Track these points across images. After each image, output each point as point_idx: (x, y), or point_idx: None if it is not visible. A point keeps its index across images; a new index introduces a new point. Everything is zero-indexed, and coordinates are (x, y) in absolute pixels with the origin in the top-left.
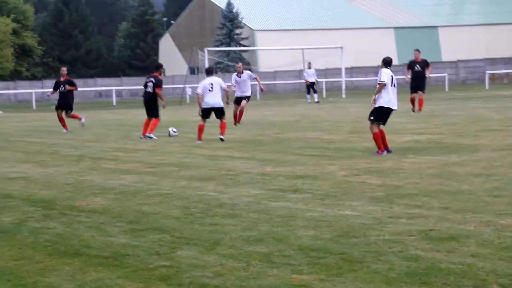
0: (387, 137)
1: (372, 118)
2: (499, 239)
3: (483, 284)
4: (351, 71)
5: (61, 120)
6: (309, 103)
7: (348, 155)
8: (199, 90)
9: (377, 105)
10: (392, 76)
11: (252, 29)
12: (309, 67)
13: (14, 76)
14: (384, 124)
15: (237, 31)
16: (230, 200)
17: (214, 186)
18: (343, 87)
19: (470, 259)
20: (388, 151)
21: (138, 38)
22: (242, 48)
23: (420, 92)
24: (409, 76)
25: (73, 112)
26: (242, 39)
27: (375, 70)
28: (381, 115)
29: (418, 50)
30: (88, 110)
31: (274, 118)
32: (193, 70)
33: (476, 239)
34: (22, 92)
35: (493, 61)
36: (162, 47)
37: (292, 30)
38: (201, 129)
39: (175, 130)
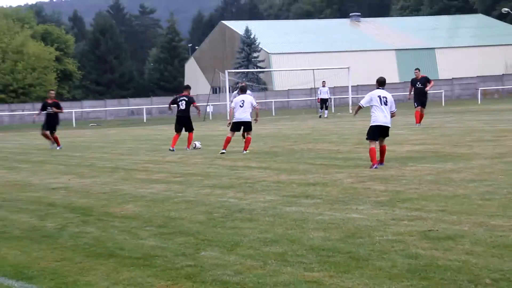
0: (390, 148)
1: (366, 137)
2: (491, 238)
3: (477, 278)
4: (357, 88)
5: (48, 137)
6: (320, 117)
7: (355, 164)
8: (232, 105)
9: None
10: (380, 96)
11: (268, 53)
12: (323, 85)
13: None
14: (383, 137)
15: (254, 54)
16: (249, 205)
17: (234, 193)
18: (350, 103)
19: (465, 257)
20: (376, 166)
21: (166, 62)
22: (259, 70)
23: (422, 108)
24: (412, 93)
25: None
26: (259, 61)
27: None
28: (372, 132)
29: (418, 69)
30: (121, 126)
31: (288, 131)
32: (215, 90)
33: (470, 238)
34: (64, 112)
35: (484, 79)
36: (188, 70)
37: (304, 53)
38: (227, 141)
39: (199, 143)
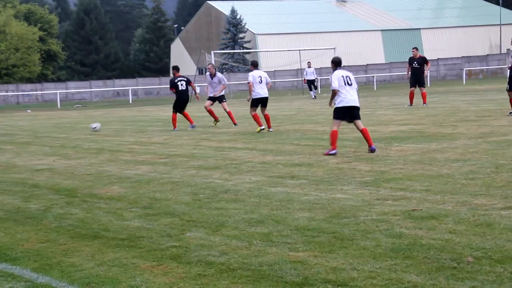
0: (375, 129)
1: (333, 117)
2: (474, 217)
3: (460, 257)
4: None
5: None
6: (314, 98)
7: (340, 144)
8: (250, 79)
9: (335, 106)
10: (343, 76)
11: (254, 33)
12: (309, 66)
13: (41, 78)
14: (352, 119)
15: (241, 35)
16: (234, 186)
17: (220, 174)
18: None
19: (448, 235)
20: (372, 149)
21: (151, 43)
22: (245, 50)
23: (421, 88)
24: (409, 73)
25: None
26: (245, 42)
27: (364, 68)
28: (340, 114)
29: (415, 48)
30: (107, 108)
31: (274, 112)
32: (201, 71)
33: (453, 217)
34: (48, 93)
35: (469, 59)
36: (173, 51)
37: (290, 33)
38: (257, 117)
39: (99, 125)
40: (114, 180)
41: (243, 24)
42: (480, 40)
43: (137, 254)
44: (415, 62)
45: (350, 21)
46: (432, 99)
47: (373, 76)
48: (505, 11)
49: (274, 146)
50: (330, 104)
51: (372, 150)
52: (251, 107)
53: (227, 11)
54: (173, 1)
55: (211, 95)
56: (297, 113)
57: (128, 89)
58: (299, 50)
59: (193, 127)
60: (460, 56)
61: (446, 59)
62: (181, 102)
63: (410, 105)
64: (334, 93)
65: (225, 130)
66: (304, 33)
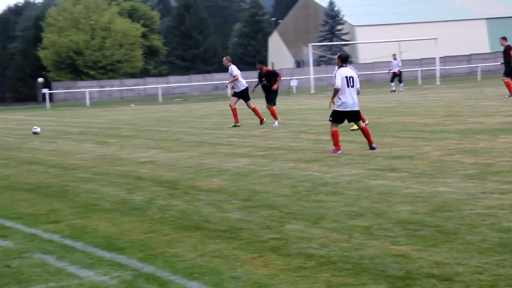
0: (480, 120)
1: (330, 119)
2: None
3: None
4: (444, 60)
5: None
6: (393, 91)
7: (442, 136)
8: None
9: (334, 108)
10: (347, 76)
11: (352, 25)
12: (394, 59)
13: (143, 73)
14: (355, 121)
15: (339, 27)
16: (333, 179)
17: (319, 167)
18: (437, 75)
19: None
20: (372, 147)
21: (249, 37)
22: (343, 42)
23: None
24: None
25: None
26: (343, 34)
27: (467, 59)
28: (338, 116)
29: (503, 38)
30: (206, 101)
31: (373, 104)
32: (298, 64)
33: None
34: (150, 87)
35: None
36: (271, 44)
37: (389, 24)
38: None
39: (38, 129)
40: (214, 172)
41: (341, 16)
42: None
43: (237, 246)
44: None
45: (453, 10)
46: None
47: (477, 66)
48: None
49: (374, 139)
50: (330, 105)
51: (372, 148)
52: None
53: (325, 3)
54: None
55: (236, 91)
56: (396, 105)
57: (227, 82)
58: (399, 41)
59: (262, 123)
60: None
61: None
62: (267, 95)
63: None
64: (337, 91)
65: (324, 123)
66: (403, 23)
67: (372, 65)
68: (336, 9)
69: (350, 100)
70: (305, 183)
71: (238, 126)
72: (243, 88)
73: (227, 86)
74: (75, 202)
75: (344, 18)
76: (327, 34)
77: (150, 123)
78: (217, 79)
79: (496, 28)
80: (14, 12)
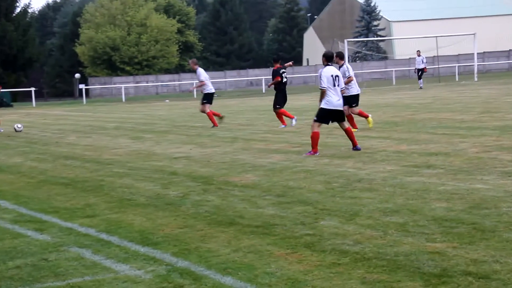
0: None
1: (315, 118)
2: None
3: None
4: (483, 55)
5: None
6: (421, 88)
7: (480, 133)
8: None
9: (320, 106)
10: (333, 75)
11: (389, 20)
12: (418, 55)
13: (179, 69)
14: (335, 121)
15: (375, 22)
16: (368, 175)
17: (353, 163)
18: (475, 70)
19: None
20: (357, 148)
21: (285, 33)
22: (379, 38)
23: None
24: None
25: None
26: (379, 29)
27: (506, 54)
28: (324, 116)
29: None
30: (240, 97)
31: (408, 101)
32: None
33: None
34: (185, 83)
35: None
36: (306, 40)
37: (426, 20)
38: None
39: (19, 126)
40: (248, 168)
41: (377, 12)
42: None
43: (271, 241)
44: None
45: (491, 5)
46: None
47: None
48: None
49: (409, 135)
50: (320, 102)
51: (357, 149)
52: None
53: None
54: None
55: (204, 93)
56: (432, 101)
57: (261, 78)
58: (436, 36)
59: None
60: None
61: None
62: (284, 95)
63: None
64: (323, 92)
65: (359, 119)
66: (441, 19)
67: (408, 61)
68: (372, 4)
69: (335, 99)
70: (340, 179)
71: (218, 125)
72: (210, 92)
73: (190, 91)
74: (111, 196)
75: (380, 14)
76: (362, 30)
77: (185, 118)
78: (252, 75)
79: None
80: (52, 8)
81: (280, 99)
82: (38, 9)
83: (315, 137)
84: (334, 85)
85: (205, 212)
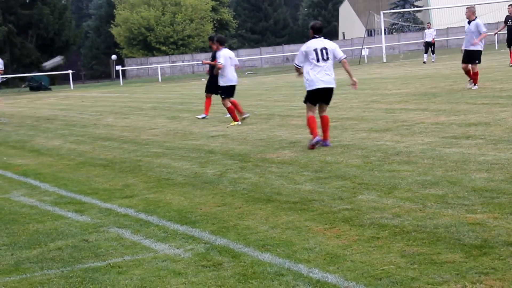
0: None
1: (304, 100)
2: None
3: None
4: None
5: None
6: (425, 62)
7: None
8: (221, 60)
9: (307, 89)
10: (317, 49)
11: None
12: (428, 28)
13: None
14: (325, 103)
15: None
16: (406, 148)
17: (391, 136)
18: None
19: None
20: (325, 144)
21: (320, 7)
22: (415, 9)
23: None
24: (499, 32)
25: None
26: (416, 0)
27: None
28: (313, 97)
29: (511, 5)
30: (276, 73)
31: (447, 71)
32: (370, 32)
33: None
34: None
35: None
36: (342, 13)
37: None
38: (233, 110)
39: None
40: (285, 144)
41: None
42: None
43: (309, 217)
44: (510, 20)
45: None
46: None
47: None
48: None
49: (448, 106)
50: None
51: (324, 145)
52: (226, 97)
53: None
54: None
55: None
56: None
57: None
58: (473, 5)
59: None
60: None
61: None
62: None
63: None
64: (296, 69)
65: (396, 92)
66: None
67: (447, 31)
68: None
69: (321, 76)
70: (377, 153)
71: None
72: (227, 84)
73: (203, 63)
74: (149, 176)
75: None
76: (399, 1)
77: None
78: (287, 50)
79: None
80: None
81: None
82: None
83: (310, 122)
84: (319, 59)
85: (242, 190)
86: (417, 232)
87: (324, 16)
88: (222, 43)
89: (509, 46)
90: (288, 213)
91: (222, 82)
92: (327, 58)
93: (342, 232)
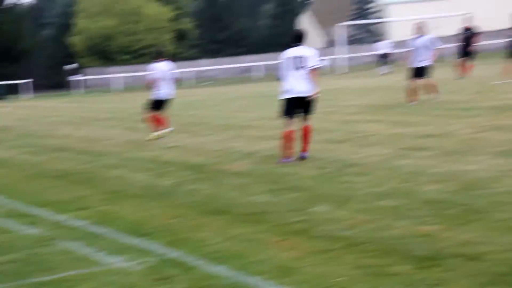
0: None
1: (280, 113)
2: None
3: None
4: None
5: None
6: (382, 74)
7: (475, 114)
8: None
9: (281, 98)
10: (294, 57)
11: (384, 3)
12: (383, 40)
13: (174, 57)
14: (306, 113)
15: (370, 5)
16: (361, 159)
17: (347, 148)
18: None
19: None
20: (303, 156)
21: (280, 18)
22: (373, 21)
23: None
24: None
25: None
26: (375, 12)
27: (499, 34)
28: (287, 107)
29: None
30: (236, 84)
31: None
32: (330, 44)
33: None
34: (183, 71)
35: None
36: (302, 24)
37: (422, 1)
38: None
39: None
40: (242, 155)
41: None
42: None
43: (263, 229)
44: (467, 31)
45: None
46: None
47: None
48: None
49: (403, 118)
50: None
51: (302, 157)
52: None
53: None
54: None
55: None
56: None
57: (257, 64)
58: (428, 18)
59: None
60: None
61: None
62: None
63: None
64: (281, 79)
65: (353, 103)
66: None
67: (404, 43)
68: None
69: (297, 85)
70: (333, 164)
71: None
72: (159, 98)
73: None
74: (103, 188)
75: None
76: (358, 13)
77: (178, 107)
78: (248, 61)
79: None
80: None
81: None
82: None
83: (285, 139)
84: (295, 68)
85: (197, 201)
86: (369, 243)
87: (285, 27)
88: (158, 56)
89: (462, 57)
90: (242, 225)
91: (152, 95)
92: (303, 67)
93: (296, 244)
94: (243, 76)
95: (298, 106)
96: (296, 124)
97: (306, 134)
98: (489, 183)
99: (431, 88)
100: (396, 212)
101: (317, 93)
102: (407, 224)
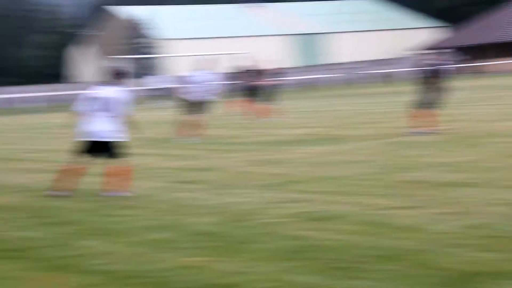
0: (280, 132)
1: (73, 151)
2: (368, 217)
3: (354, 257)
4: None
5: None
6: (157, 109)
7: (249, 148)
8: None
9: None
10: (101, 97)
11: (164, 39)
12: (154, 75)
13: None
14: (109, 157)
15: (148, 40)
16: (133, 192)
17: (121, 181)
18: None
19: (344, 236)
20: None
21: (51, 48)
22: (149, 56)
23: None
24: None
25: None
26: (152, 47)
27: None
28: (82, 150)
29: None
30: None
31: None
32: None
33: (352, 218)
34: None
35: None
36: (74, 57)
37: (203, 38)
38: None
39: None
40: (9, 190)
41: (148, 29)
42: (392, 44)
43: (25, 266)
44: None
45: (264, 25)
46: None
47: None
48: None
49: (182, 152)
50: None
51: (113, 196)
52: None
53: (130, 16)
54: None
55: None
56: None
57: (25, 96)
58: (203, 55)
59: None
60: (373, 59)
61: (358, 62)
62: None
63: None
64: (76, 115)
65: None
66: (220, 37)
67: (181, 79)
68: (143, 21)
69: (95, 126)
70: (109, 199)
71: None
72: None
73: None
74: None
75: (151, 31)
76: (133, 47)
77: None
78: (15, 92)
79: (304, 43)
80: None
81: None
82: None
83: (63, 172)
84: (97, 109)
85: None
86: (138, 277)
87: (53, 58)
88: None
89: (244, 95)
90: (3, 262)
91: None
92: (111, 109)
93: (63, 280)
94: (10, 108)
95: (98, 150)
96: (88, 163)
97: (111, 174)
98: (253, 214)
99: (199, 127)
100: (166, 245)
101: (123, 137)
102: (175, 256)
